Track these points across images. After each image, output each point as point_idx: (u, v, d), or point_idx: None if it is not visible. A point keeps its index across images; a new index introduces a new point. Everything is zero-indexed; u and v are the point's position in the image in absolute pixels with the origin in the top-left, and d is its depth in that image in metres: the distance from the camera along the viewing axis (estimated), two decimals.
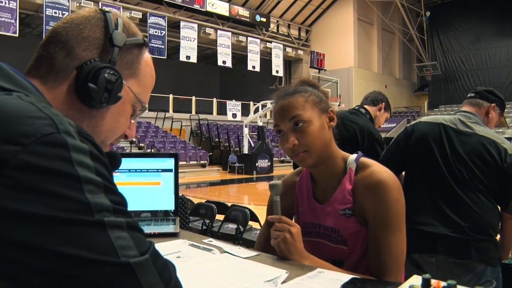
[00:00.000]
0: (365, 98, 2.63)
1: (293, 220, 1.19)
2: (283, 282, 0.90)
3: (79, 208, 0.46)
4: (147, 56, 0.71)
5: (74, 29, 0.63)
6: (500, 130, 14.80)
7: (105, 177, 0.50)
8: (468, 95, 2.02)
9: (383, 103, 2.58)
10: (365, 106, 2.57)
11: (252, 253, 1.11)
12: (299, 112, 1.07)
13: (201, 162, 16.00)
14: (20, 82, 0.57)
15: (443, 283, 0.68)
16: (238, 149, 17.37)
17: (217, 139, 18.37)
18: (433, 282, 0.68)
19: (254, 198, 10.23)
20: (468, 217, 1.73)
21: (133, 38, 0.67)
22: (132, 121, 0.71)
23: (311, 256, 1.06)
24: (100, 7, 0.70)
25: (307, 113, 1.08)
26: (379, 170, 1.08)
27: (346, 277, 0.93)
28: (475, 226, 1.72)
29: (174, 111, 18.70)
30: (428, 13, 22.95)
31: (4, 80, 0.56)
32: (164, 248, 1.14)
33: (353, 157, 1.14)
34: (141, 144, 15.21)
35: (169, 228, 1.39)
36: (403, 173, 2.02)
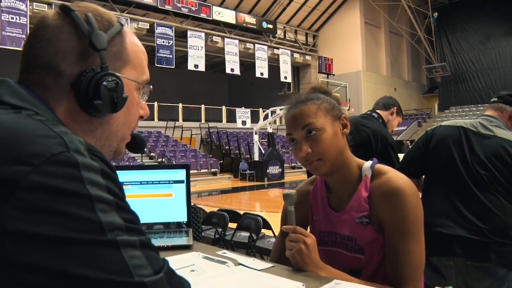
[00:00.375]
0: (376, 103, 2.63)
1: (308, 230, 1.17)
2: None
3: (91, 228, 0.45)
4: (129, 36, 0.65)
5: (50, 47, 0.58)
6: None
7: (117, 195, 0.49)
8: (491, 100, 2.02)
9: (395, 107, 2.58)
10: (377, 111, 2.56)
11: (267, 264, 1.09)
12: (311, 120, 1.06)
13: (212, 170, 16.02)
14: (29, 99, 0.56)
15: None
16: (248, 156, 17.37)
17: (227, 147, 18.40)
18: None
19: (266, 205, 10.20)
20: (487, 219, 1.71)
21: (111, 30, 0.61)
22: (142, 102, 0.69)
23: (327, 267, 1.04)
24: (62, 6, 0.60)
25: (320, 120, 1.06)
26: (395, 176, 1.06)
27: None
28: (495, 229, 1.69)
29: (183, 120, 18.79)
30: (435, 14, 22.81)
31: (12, 96, 0.55)
32: (177, 261, 1.13)
33: (368, 163, 1.12)
34: (152, 154, 15.31)
35: (182, 240, 1.38)
36: (423, 177, 2.01)
